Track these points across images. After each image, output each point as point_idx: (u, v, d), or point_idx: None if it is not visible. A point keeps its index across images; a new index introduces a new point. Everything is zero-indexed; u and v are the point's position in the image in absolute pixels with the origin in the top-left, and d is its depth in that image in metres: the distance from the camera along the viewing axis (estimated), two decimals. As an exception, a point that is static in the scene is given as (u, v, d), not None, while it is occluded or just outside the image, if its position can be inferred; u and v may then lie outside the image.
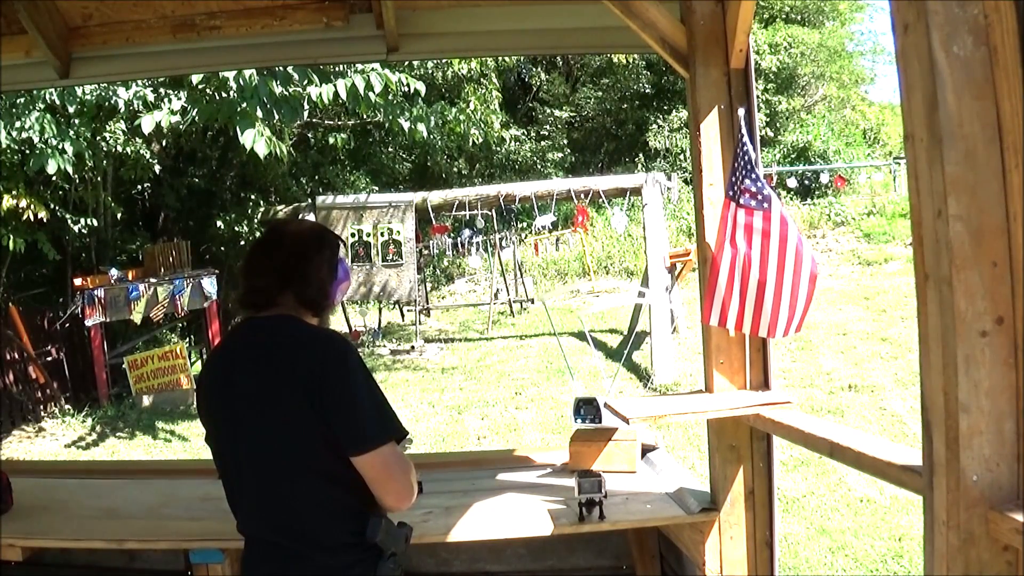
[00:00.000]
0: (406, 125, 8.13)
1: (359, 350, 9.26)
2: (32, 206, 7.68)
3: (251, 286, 1.75)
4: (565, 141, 19.28)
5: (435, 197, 10.35)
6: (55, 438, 7.67)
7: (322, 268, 1.76)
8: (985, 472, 1.22)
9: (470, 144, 9.88)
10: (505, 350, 9.99)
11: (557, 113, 19.38)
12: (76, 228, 8.98)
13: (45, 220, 7.97)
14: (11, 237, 7.70)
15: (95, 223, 9.21)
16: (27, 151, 6.99)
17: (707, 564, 2.38)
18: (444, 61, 11.86)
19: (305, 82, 6.73)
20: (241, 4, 2.81)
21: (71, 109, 6.75)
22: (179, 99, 6.96)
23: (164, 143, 10.08)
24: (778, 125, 18.18)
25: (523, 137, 17.96)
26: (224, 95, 6.66)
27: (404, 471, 1.65)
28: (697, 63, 2.31)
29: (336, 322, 12.41)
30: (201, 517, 2.51)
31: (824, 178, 14.61)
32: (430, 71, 12.34)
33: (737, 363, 2.37)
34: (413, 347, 10.64)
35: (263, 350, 1.68)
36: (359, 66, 6.93)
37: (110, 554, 2.85)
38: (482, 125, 9.67)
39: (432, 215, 10.17)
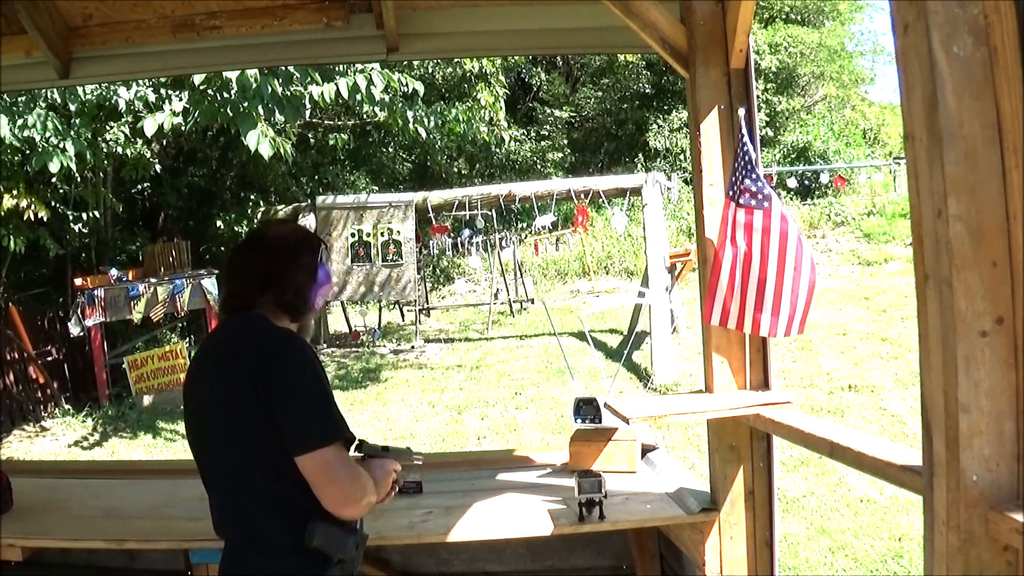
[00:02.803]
0: (411, 119, 8.13)
1: (358, 350, 9.14)
2: (33, 205, 7.68)
3: (230, 291, 1.78)
4: (565, 141, 19.28)
5: (435, 197, 10.35)
6: (55, 438, 7.67)
7: (300, 273, 1.76)
8: (985, 472, 1.22)
9: (478, 141, 9.86)
10: (505, 350, 9.99)
11: (557, 113, 19.38)
12: (77, 227, 8.98)
13: (45, 219, 7.98)
14: (11, 237, 7.70)
15: (96, 215, 9.21)
16: (27, 150, 6.99)
17: (707, 564, 2.38)
18: (446, 60, 11.87)
19: (307, 81, 6.73)
20: (241, 4, 2.81)
21: (72, 108, 6.75)
22: (180, 100, 6.96)
23: (164, 143, 10.08)
24: (778, 125, 18.18)
25: (523, 137, 17.97)
26: (226, 95, 6.66)
27: (347, 477, 1.60)
28: (697, 63, 2.31)
29: (336, 322, 12.43)
30: (201, 517, 2.48)
31: (824, 178, 14.60)
32: (430, 71, 12.35)
33: (737, 363, 2.38)
34: (413, 347, 10.65)
35: (225, 349, 1.71)
36: (359, 66, 6.94)
37: (110, 554, 2.85)
38: (488, 123, 9.67)
39: (432, 215, 10.17)
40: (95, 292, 8.37)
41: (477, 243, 10.46)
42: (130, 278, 8.81)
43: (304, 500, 1.59)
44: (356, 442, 1.80)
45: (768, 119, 17.62)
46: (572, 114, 19.83)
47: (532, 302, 12.60)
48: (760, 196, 2.15)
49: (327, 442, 1.58)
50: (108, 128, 7.99)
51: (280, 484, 1.59)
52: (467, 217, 10.10)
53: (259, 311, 1.72)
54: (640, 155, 18.13)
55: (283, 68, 6.35)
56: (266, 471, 1.60)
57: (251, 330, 1.69)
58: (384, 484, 1.77)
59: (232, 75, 6.29)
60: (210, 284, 8.97)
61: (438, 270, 15.45)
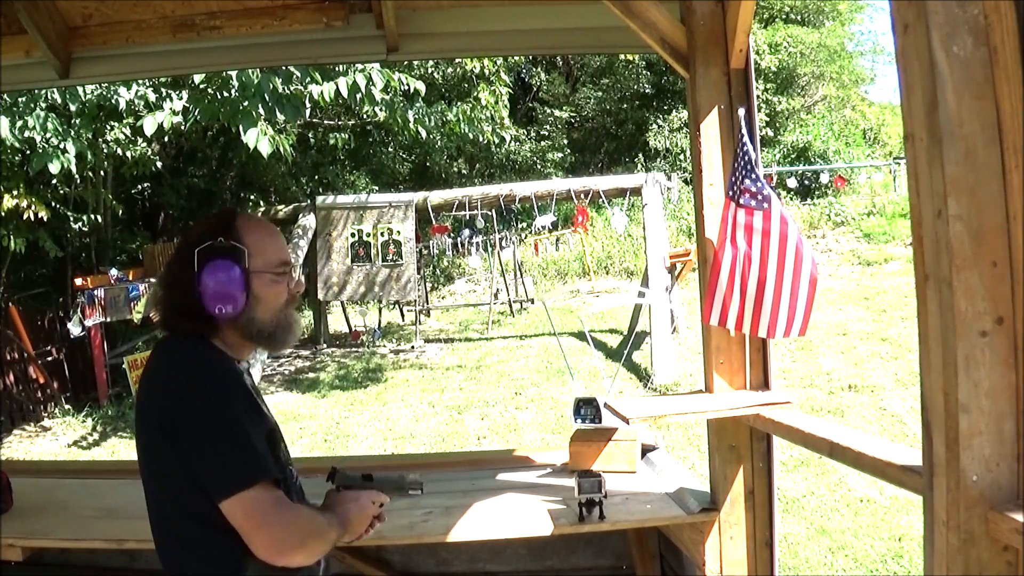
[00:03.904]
0: (411, 118, 8.14)
1: (358, 350, 9.09)
2: (33, 206, 7.69)
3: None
4: (565, 141, 19.29)
5: (435, 197, 10.36)
6: (55, 438, 7.68)
7: (175, 292, 1.53)
8: (985, 472, 1.22)
9: (480, 140, 9.86)
10: (505, 350, 9.99)
11: (557, 113, 19.39)
12: (76, 227, 8.99)
13: (45, 220, 7.99)
14: (11, 237, 7.71)
15: (97, 219, 9.22)
16: (28, 151, 7.00)
17: (707, 564, 2.38)
18: (446, 60, 11.88)
19: (307, 80, 6.74)
20: (241, 4, 2.81)
21: (72, 108, 6.75)
22: (180, 99, 6.97)
23: (165, 142, 10.09)
24: (778, 125, 18.18)
25: (523, 137, 17.97)
26: (226, 94, 6.67)
27: (276, 521, 1.41)
28: (697, 63, 2.31)
29: (336, 322, 12.44)
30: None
31: (824, 178, 14.60)
32: (430, 71, 12.36)
33: (737, 363, 2.37)
34: (413, 347, 10.65)
35: (143, 385, 1.54)
36: (359, 65, 6.95)
37: (110, 554, 2.85)
38: (491, 121, 9.67)
39: (432, 215, 10.17)
40: (95, 292, 8.37)
41: (477, 243, 10.46)
42: (130, 278, 8.81)
43: (239, 546, 1.43)
44: (329, 471, 1.64)
45: (768, 119, 17.62)
46: (572, 114, 19.83)
47: (532, 302, 12.60)
48: (760, 197, 2.15)
49: (247, 485, 1.40)
50: (109, 128, 8.00)
51: (210, 530, 1.43)
52: (467, 217, 10.10)
53: (201, 330, 1.54)
54: (640, 155, 18.14)
55: (283, 67, 6.36)
56: (192, 517, 1.45)
57: (165, 362, 1.52)
58: (358, 521, 1.58)
59: (232, 73, 6.31)
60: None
61: (438, 270, 15.45)
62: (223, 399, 1.44)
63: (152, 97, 6.98)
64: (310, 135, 13.37)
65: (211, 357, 1.52)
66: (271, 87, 6.34)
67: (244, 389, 1.49)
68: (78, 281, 8.56)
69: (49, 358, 8.78)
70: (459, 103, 9.65)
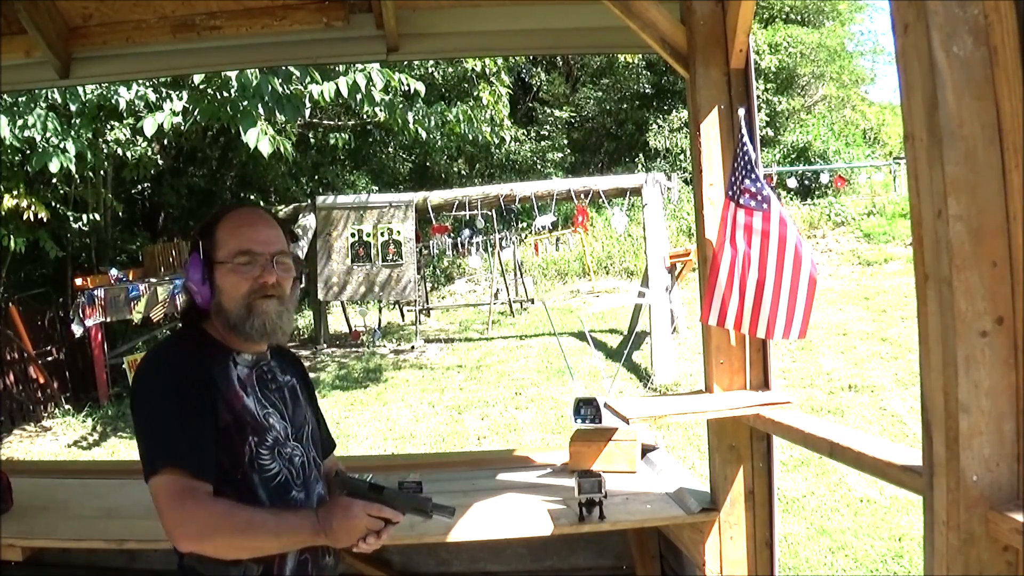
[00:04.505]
0: (411, 119, 8.14)
1: (359, 350, 9.07)
2: (33, 206, 7.69)
3: None
4: (565, 141, 19.29)
5: (435, 197, 10.35)
6: (55, 438, 7.68)
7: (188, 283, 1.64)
8: (985, 472, 1.22)
9: (480, 140, 9.88)
10: (505, 350, 9.99)
11: (557, 113, 19.39)
12: (77, 226, 8.99)
13: (45, 220, 7.99)
14: (11, 237, 7.71)
15: (97, 217, 9.22)
16: (27, 150, 7.00)
17: (707, 564, 2.38)
18: (446, 60, 11.89)
19: (307, 80, 6.74)
20: (241, 4, 2.81)
21: (72, 108, 6.75)
22: (180, 99, 6.97)
23: (165, 143, 10.10)
24: (778, 125, 18.18)
25: (523, 137, 17.97)
26: (226, 94, 6.67)
27: (178, 509, 1.41)
28: (697, 63, 2.31)
29: (336, 322, 12.44)
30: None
31: (824, 178, 14.59)
32: (430, 71, 12.37)
33: (737, 363, 2.37)
34: (413, 347, 10.65)
35: None
36: (359, 65, 6.95)
37: (110, 554, 2.84)
38: (491, 122, 9.68)
39: (432, 215, 10.17)
40: (95, 292, 8.37)
41: (477, 243, 10.46)
42: (130, 278, 8.81)
43: None
44: (334, 473, 1.61)
45: (768, 119, 17.61)
46: (572, 114, 19.83)
47: (532, 302, 12.60)
48: (760, 197, 2.15)
49: (152, 472, 1.43)
50: (109, 128, 8.00)
51: None
52: (467, 217, 10.10)
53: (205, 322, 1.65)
54: (640, 155, 18.14)
55: (283, 67, 6.35)
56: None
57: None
58: (341, 530, 1.47)
59: (232, 74, 6.30)
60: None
61: (438, 270, 15.45)
62: (153, 386, 1.50)
63: (152, 97, 6.97)
64: (310, 135, 13.38)
65: (170, 346, 1.62)
66: (271, 87, 6.34)
67: (190, 379, 1.49)
68: (78, 281, 8.57)
69: (49, 358, 8.78)
70: (459, 103, 9.65)
